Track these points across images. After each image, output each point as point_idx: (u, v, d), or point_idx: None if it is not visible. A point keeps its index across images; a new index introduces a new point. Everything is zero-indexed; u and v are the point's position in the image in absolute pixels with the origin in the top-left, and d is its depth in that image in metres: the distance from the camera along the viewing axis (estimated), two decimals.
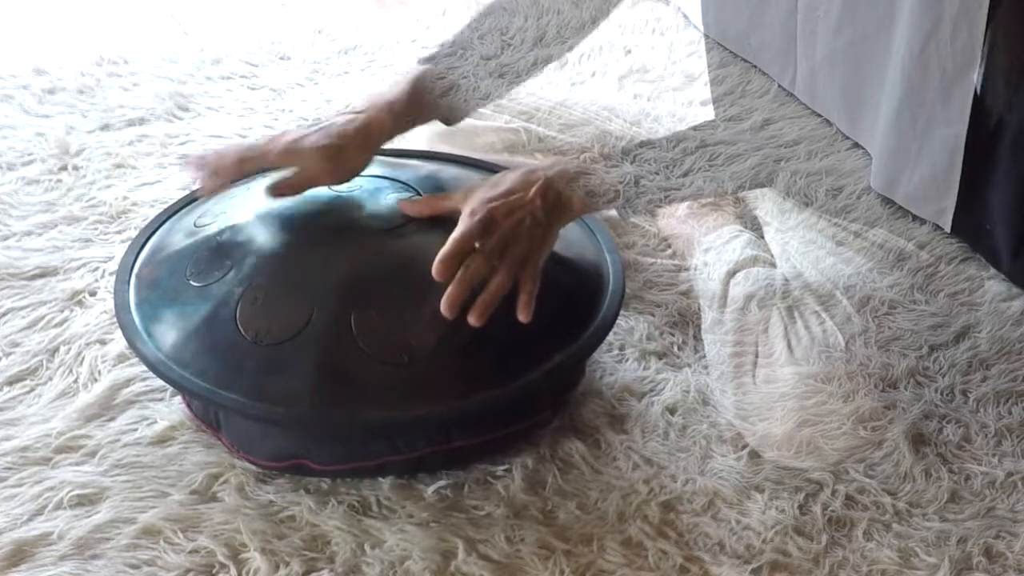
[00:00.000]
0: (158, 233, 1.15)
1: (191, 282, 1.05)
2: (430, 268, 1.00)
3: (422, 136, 1.37)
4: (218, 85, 1.67)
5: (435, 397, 0.98)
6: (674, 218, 1.34)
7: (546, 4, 1.31)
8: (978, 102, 1.18)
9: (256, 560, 0.94)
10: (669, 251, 1.32)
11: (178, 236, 1.13)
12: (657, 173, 1.13)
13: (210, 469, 1.03)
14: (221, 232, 1.08)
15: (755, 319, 1.16)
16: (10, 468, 1.03)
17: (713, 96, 1.59)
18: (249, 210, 1.11)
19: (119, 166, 1.47)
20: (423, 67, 1.20)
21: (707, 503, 1.01)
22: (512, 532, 0.98)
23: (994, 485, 1.03)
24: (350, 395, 0.98)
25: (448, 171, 1.20)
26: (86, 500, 1.00)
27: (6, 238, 1.33)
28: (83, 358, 1.15)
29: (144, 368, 1.06)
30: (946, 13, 1.16)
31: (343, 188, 1.11)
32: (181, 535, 0.97)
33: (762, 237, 1.31)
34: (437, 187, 1.13)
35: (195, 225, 1.12)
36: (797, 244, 1.28)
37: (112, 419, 1.08)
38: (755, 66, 1.64)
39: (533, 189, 1.05)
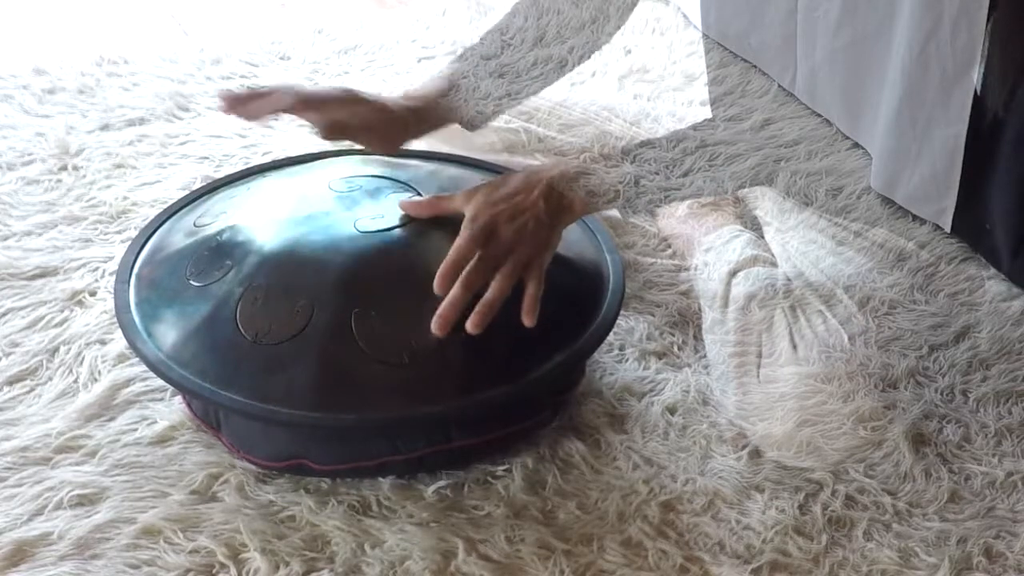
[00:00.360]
0: (158, 233, 1.15)
1: (191, 282, 1.05)
2: (430, 268, 1.00)
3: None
4: (218, 85, 1.67)
5: (435, 397, 0.98)
6: (674, 218, 1.34)
7: (546, 4, 1.31)
8: (978, 102, 1.18)
9: (256, 560, 0.94)
10: (669, 251, 1.32)
11: (178, 236, 1.13)
12: (657, 173, 1.13)
13: (210, 469, 1.03)
14: (221, 232, 1.08)
15: (757, 318, 1.16)
16: (10, 468, 1.03)
17: (713, 96, 1.60)
18: (249, 210, 1.11)
19: (119, 166, 1.47)
20: (453, 68, 1.20)
21: (707, 503, 1.01)
22: (512, 532, 0.98)
23: (994, 485, 1.03)
24: (350, 395, 0.98)
25: (448, 171, 1.20)
26: (86, 500, 1.00)
27: (6, 238, 1.33)
28: (83, 358, 1.15)
29: (144, 368, 1.06)
30: (946, 13, 1.16)
31: (343, 188, 1.11)
32: (181, 535, 0.97)
33: (762, 237, 1.31)
34: (437, 187, 1.13)
35: (195, 225, 1.12)
36: (797, 244, 1.28)
37: (112, 419, 1.08)
38: (755, 66, 1.64)
39: (536, 191, 1.05)
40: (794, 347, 1.13)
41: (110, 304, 1.14)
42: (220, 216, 1.11)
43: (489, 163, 1.26)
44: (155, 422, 1.08)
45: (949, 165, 1.23)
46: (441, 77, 1.23)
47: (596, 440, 1.07)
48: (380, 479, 1.02)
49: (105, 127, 1.55)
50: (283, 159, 1.30)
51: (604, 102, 1.53)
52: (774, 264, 1.25)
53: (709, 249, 1.27)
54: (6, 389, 1.12)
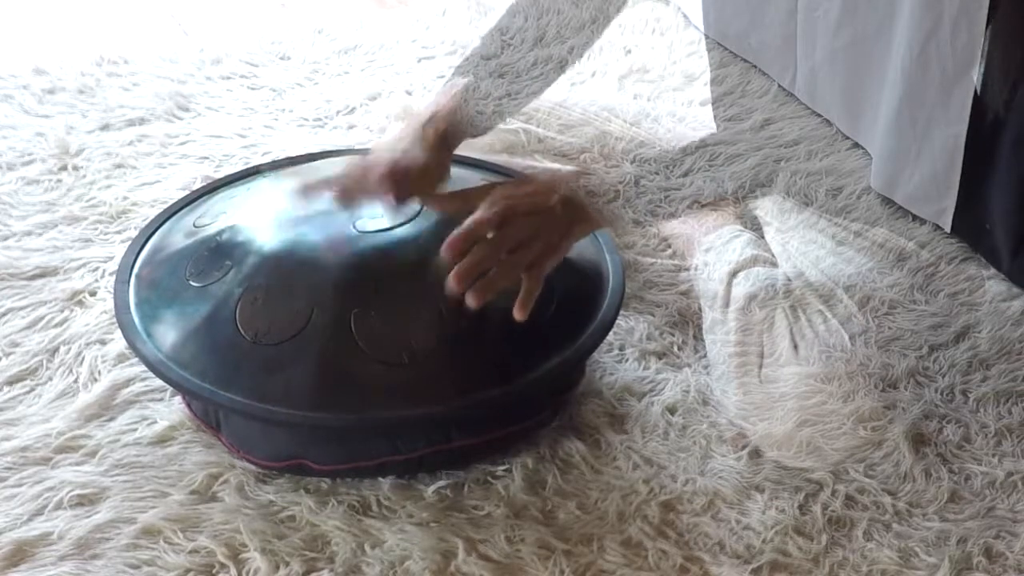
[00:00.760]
0: (158, 233, 1.15)
1: (191, 282, 1.05)
2: (430, 268, 1.00)
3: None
4: (218, 85, 1.67)
5: (435, 397, 0.98)
6: (674, 218, 1.34)
7: (546, 4, 1.31)
8: (978, 102, 1.18)
9: (256, 560, 0.94)
10: (669, 251, 1.32)
11: (178, 236, 1.13)
12: (657, 173, 1.13)
13: (210, 469, 1.03)
14: (221, 232, 1.08)
15: (757, 318, 1.16)
16: (10, 468, 1.03)
17: (713, 96, 1.60)
18: (249, 210, 1.11)
19: (119, 166, 1.47)
20: (463, 81, 1.19)
21: (707, 503, 1.01)
22: (512, 532, 0.98)
23: (994, 485, 1.03)
24: (350, 395, 0.98)
25: None
26: (86, 500, 1.00)
27: (6, 238, 1.33)
28: (83, 358, 1.15)
29: (144, 368, 1.06)
30: (946, 13, 1.16)
31: None
32: (181, 535, 0.97)
33: (762, 237, 1.31)
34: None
35: (195, 225, 1.12)
36: (797, 244, 1.28)
37: (112, 419, 1.08)
38: (755, 66, 1.64)
39: (555, 196, 1.04)
40: (795, 347, 1.13)
41: (110, 304, 1.14)
42: (220, 216, 1.11)
43: (489, 163, 1.27)
44: (155, 422, 1.08)
45: (949, 165, 1.23)
46: (453, 92, 1.22)
47: (596, 440, 1.07)
48: (380, 479, 1.02)
49: (105, 127, 1.55)
50: (283, 159, 1.30)
51: (604, 102, 1.53)
52: (774, 264, 1.25)
53: (709, 249, 1.27)
54: (6, 389, 1.12)
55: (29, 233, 1.34)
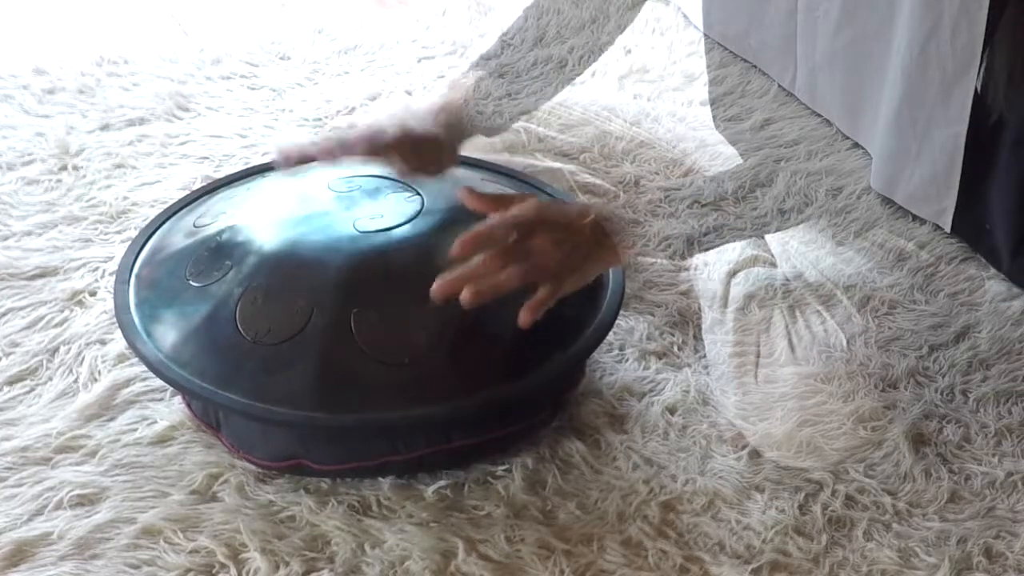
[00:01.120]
0: (158, 233, 1.15)
1: (191, 282, 1.05)
2: (430, 269, 1.00)
3: None
4: (218, 85, 1.67)
5: (435, 397, 0.98)
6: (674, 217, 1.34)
7: (546, 4, 1.31)
8: (978, 102, 1.18)
9: (256, 560, 0.94)
10: (669, 251, 1.32)
11: (178, 236, 1.13)
12: (657, 173, 1.13)
13: (210, 469, 1.03)
14: (221, 232, 1.08)
15: (756, 319, 1.16)
16: (10, 468, 1.03)
17: (713, 96, 1.60)
18: (249, 210, 1.11)
19: (119, 166, 1.47)
20: (474, 75, 1.19)
21: (707, 503, 1.01)
22: (512, 532, 0.98)
23: (994, 485, 1.03)
24: (350, 395, 0.98)
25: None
26: (86, 500, 1.00)
27: (6, 238, 1.33)
28: (83, 358, 1.15)
29: (144, 368, 1.06)
30: (946, 13, 1.16)
31: (343, 188, 1.11)
32: (181, 535, 0.97)
33: (762, 237, 1.31)
34: (437, 187, 1.12)
35: (195, 225, 1.12)
36: (797, 244, 1.28)
37: (112, 419, 1.08)
38: (755, 66, 1.64)
39: (588, 220, 1.04)
40: (791, 347, 1.13)
41: (110, 304, 1.14)
42: (220, 216, 1.11)
43: (489, 163, 1.27)
44: (155, 422, 1.08)
45: (949, 165, 1.23)
46: (463, 86, 1.22)
47: (596, 440, 1.07)
48: (380, 479, 1.02)
49: (105, 127, 1.55)
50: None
51: (604, 102, 1.53)
52: (774, 264, 1.25)
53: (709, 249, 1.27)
54: (6, 389, 1.12)
55: (29, 233, 1.34)
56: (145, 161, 1.48)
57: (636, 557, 0.96)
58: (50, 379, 1.13)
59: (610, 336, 1.12)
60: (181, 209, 1.19)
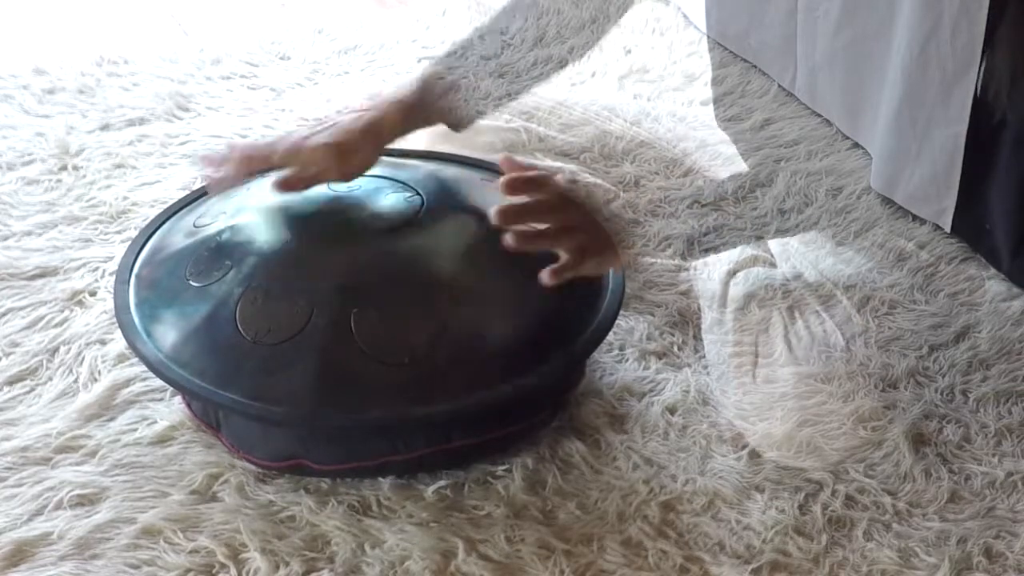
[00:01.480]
0: (158, 233, 1.15)
1: (191, 282, 1.05)
2: (430, 268, 1.00)
3: (422, 136, 1.37)
4: (218, 85, 1.67)
5: (435, 397, 0.98)
6: (674, 217, 1.34)
7: (546, 4, 1.31)
8: (978, 102, 1.18)
9: (256, 560, 0.94)
10: (669, 251, 1.32)
11: (178, 236, 1.13)
12: (657, 173, 1.13)
13: (210, 469, 1.03)
14: (221, 232, 1.08)
15: (755, 319, 1.16)
16: (10, 468, 1.03)
17: (713, 96, 1.60)
18: (249, 210, 1.11)
19: (119, 166, 1.47)
20: (430, 68, 1.19)
21: (707, 503, 1.01)
22: (512, 532, 0.98)
23: (994, 485, 1.03)
24: (350, 395, 0.98)
25: (448, 171, 1.20)
26: (86, 500, 1.00)
27: (6, 238, 1.33)
28: (83, 358, 1.15)
29: (144, 368, 1.06)
30: (946, 13, 1.16)
31: (343, 188, 1.11)
32: (181, 535, 0.97)
33: (762, 237, 1.31)
34: (437, 187, 1.12)
35: (195, 225, 1.12)
36: (797, 244, 1.28)
37: (112, 419, 1.08)
38: (755, 66, 1.64)
39: (605, 212, 1.06)
40: (790, 348, 1.13)
41: (110, 304, 1.14)
42: (220, 216, 1.11)
43: (489, 163, 1.26)
44: (155, 422, 1.08)
45: (949, 165, 1.23)
46: (430, 72, 1.23)
47: (596, 440, 1.07)
48: (380, 479, 1.02)
49: (105, 127, 1.55)
50: None
51: (604, 102, 1.54)
52: (773, 264, 1.25)
53: (708, 249, 1.27)
54: (6, 389, 1.12)
55: (29, 233, 1.34)
56: (145, 161, 1.48)
57: (636, 557, 0.96)
58: (50, 379, 1.13)
59: (610, 336, 1.12)
60: (181, 209, 1.18)
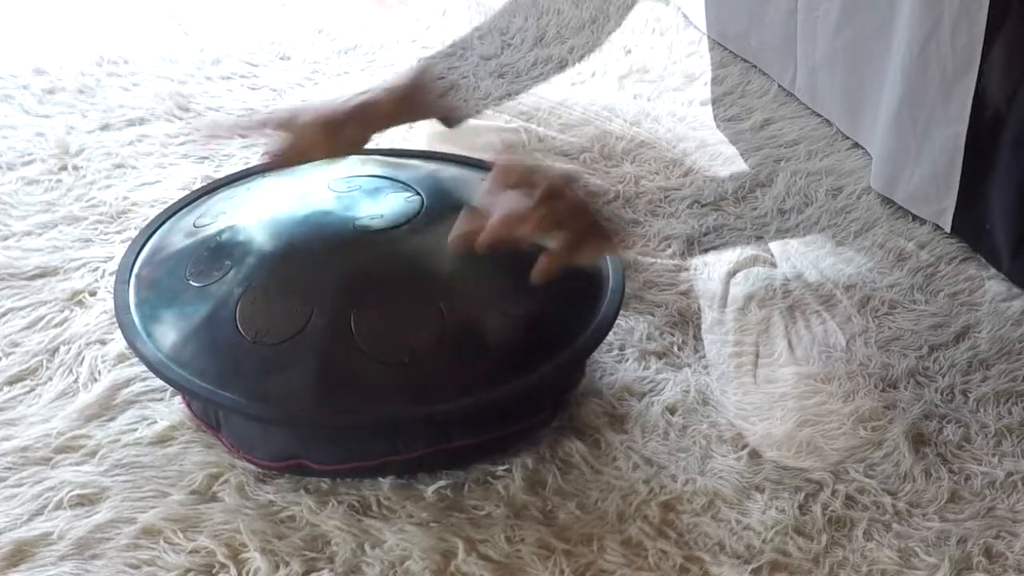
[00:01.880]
0: (158, 233, 1.15)
1: (191, 282, 1.05)
2: (430, 268, 1.00)
3: (422, 136, 1.37)
4: (218, 85, 1.68)
5: (435, 397, 0.98)
6: (674, 217, 1.34)
7: (546, 4, 1.31)
8: (978, 102, 1.18)
9: (256, 560, 0.94)
10: (669, 251, 1.33)
11: (178, 236, 1.13)
12: (657, 173, 1.13)
13: (210, 469, 1.03)
14: (221, 232, 1.08)
15: (756, 319, 1.17)
16: (10, 468, 1.03)
17: (713, 96, 1.60)
18: (249, 210, 1.11)
19: (119, 166, 1.47)
20: (426, 62, 1.20)
21: (707, 503, 1.01)
22: (512, 532, 0.98)
23: (994, 485, 1.03)
24: (350, 395, 0.98)
25: (448, 171, 1.20)
26: (86, 500, 1.00)
27: (6, 238, 1.33)
28: (83, 358, 1.15)
29: (144, 368, 1.06)
30: (946, 13, 1.16)
31: (343, 188, 1.11)
32: (181, 535, 0.97)
33: (762, 236, 1.31)
34: (437, 187, 1.13)
35: (195, 225, 1.12)
36: (797, 244, 1.28)
37: (112, 419, 1.08)
38: (755, 66, 1.64)
39: (599, 206, 1.06)
40: (791, 348, 1.13)
41: (110, 304, 1.14)
42: (220, 216, 1.11)
43: (488, 163, 1.26)
44: (155, 422, 1.08)
45: (949, 165, 1.23)
46: (425, 66, 1.23)
47: (596, 440, 1.07)
48: (380, 479, 1.02)
49: (105, 127, 1.55)
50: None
51: (604, 102, 1.54)
52: (773, 264, 1.25)
53: (709, 249, 1.27)
54: (6, 389, 1.12)
55: (29, 233, 1.34)
56: (145, 161, 1.48)
57: (636, 557, 0.96)
58: (50, 379, 1.13)
59: (610, 336, 1.12)
60: (181, 209, 1.18)
